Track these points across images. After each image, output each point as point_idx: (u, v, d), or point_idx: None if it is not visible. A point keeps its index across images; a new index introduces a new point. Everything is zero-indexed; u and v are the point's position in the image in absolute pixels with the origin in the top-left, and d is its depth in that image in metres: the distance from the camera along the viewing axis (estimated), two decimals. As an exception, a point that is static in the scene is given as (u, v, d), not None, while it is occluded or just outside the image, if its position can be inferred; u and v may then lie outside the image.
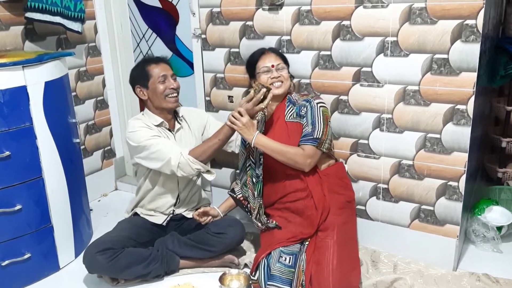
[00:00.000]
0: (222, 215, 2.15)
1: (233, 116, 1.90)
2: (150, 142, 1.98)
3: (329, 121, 1.96)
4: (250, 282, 1.91)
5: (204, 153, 1.96)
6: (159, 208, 2.17)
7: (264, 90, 1.90)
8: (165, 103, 2.05)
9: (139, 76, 2.08)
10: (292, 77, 2.08)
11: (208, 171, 2.00)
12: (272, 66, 1.99)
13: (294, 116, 1.98)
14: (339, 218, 1.92)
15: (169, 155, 1.95)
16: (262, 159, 2.00)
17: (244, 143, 2.06)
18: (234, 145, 2.24)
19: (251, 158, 2.05)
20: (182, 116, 2.18)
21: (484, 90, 2.50)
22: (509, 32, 2.84)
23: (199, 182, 2.27)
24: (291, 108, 2.01)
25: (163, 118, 2.10)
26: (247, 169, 2.08)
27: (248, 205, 2.09)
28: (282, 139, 1.94)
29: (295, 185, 1.97)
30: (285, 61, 2.06)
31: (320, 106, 1.94)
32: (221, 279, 1.96)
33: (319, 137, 1.89)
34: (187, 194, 2.20)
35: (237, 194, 2.16)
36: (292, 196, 1.99)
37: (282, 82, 1.99)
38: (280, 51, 2.10)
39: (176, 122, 2.16)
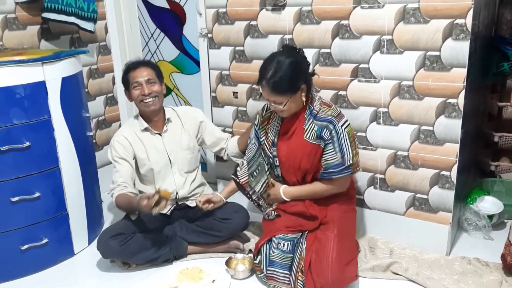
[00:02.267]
0: (225, 200, 2.19)
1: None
2: (115, 162, 2.17)
3: (355, 137, 1.96)
4: (254, 265, 2.03)
5: (120, 207, 2.12)
6: None
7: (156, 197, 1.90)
8: (142, 107, 2.16)
9: (123, 82, 2.21)
10: (307, 88, 1.92)
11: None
12: (274, 102, 1.91)
13: (315, 137, 1.92)
14: (339, 213, 1.99)
15: (114, 186, 2.13)
16: (277, 161, 2.03)
17: (258, 136, 2.09)
18: (224, 153, 2.36)
19: (269, 156, 2.07)
20: (169, 118, 2.25)
21: (478, 87, 2.62)
22: (501, 32, 2.96)
23: (199, 177, 2.35)
24: (312, 124, 1.93)
25: (149, 122, 2.21)
26: (258, 160, 2.09)
27: (250, 191, 2.10)
28: (294, 155, 1.96)
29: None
30: (290, 89, 1.86)
31: (344, 128, 1.91)
32: (228, 263, 2.08)
33: (351, 163, 1.88)
34: (187, 192, 2.29)
35: (240, 178, 2.13)
36: (287, 205, 2.04)
37: (282, 111, 1.93)
38: (279, 83, 1.85)
39: (165, 124, 2.25)
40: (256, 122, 2.14)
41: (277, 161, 2.03)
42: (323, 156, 1.93)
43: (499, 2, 3.03)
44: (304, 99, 1.92)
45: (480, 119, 2.92)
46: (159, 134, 2.23)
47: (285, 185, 2.04)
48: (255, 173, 2.09)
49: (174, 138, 2.25)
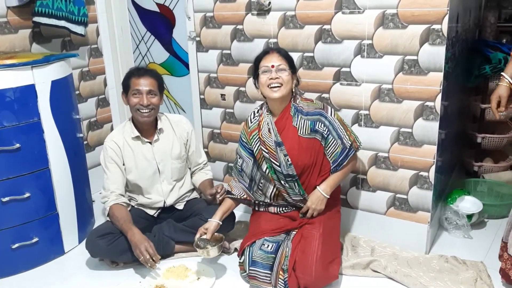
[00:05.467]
0: (221, 223, 2.10)
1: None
2: (106, 167, 2.21)
3: (343, 120, 2.03)
4: (221, 243, 2.03)
5: (114, 220, 2.12)
6: (149, 205, 2.32)
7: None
8: (136, 115, 2.17)
9: (124, 84, 2.20)
10: (297, 81, 2.06)
11: None
12: (272, 66, 1.96)
13: (309, 132, 1.98)
14: (326, 213, 2.05)
15: (106, 193, 2.16)
16: (289, 160, 1.98)
17: (249, 151, 2.08)
18: (191, 173, 2.43)
19: (274, 161, 2.01)
20: (161, 128, 2.26)
21: (460, 89, 2.68)
22: (485, 35, 3.03)
23: (187, 183, 2.39)
24: (302, 120, 1.98)
25: (141, 130, 2.22)
26: (258, 173, 2.10)
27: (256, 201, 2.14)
28: (291, 153, 1.98)
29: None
30: (290, 63, 2.01)
31: (333, 116, 1.99)
32: (197, 246, 2.03)
33: (350, 142, 1.97)
34: (174, 199, 2.34)
35: (238, 196, 2.15)
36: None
37: (280, 84, 1.95)
38: (287, 53, 2.04)
39: (156, 133, 2.26)
40: (243, 139, 2.12)
41: (289, 159, 1.98)
42: (327, 149, 1.99)
43: (484, 6, 3.10)
44: (293, 89, 2.02)
45: (464, 120, 2.98)
46: (150, 142, 2.26)
47: (317, 187, 2.02)
48: (260, 184, 2.11)
49: (165, 147, 2.27)
